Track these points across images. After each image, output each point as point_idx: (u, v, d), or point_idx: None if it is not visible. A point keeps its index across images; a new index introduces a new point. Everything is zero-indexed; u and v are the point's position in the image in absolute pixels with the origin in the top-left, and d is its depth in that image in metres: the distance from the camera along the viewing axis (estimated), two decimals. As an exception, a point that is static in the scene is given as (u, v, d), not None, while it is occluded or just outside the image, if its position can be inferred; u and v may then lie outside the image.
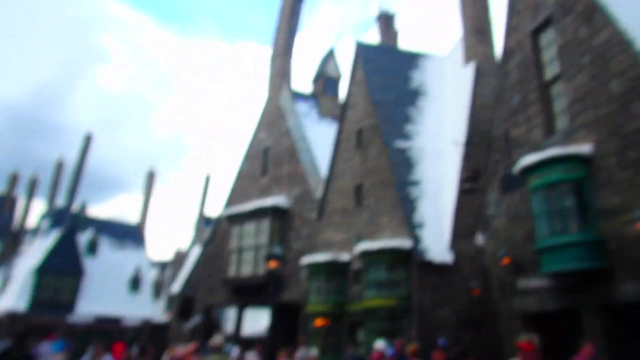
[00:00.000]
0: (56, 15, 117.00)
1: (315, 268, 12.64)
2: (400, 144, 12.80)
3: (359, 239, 12.45)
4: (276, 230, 14.91)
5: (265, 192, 16.36)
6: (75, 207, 35.20)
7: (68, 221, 32.81)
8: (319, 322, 12.48)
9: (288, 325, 14.37)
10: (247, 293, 16.02)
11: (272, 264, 11.76)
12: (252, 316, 17.26)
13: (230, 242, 16.97)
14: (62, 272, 30.89)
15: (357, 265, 12.45)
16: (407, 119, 13.54)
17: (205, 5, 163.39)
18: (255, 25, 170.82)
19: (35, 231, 35.67)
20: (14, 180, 43.62)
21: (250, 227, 15.93)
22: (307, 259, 12.81)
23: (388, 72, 14.61)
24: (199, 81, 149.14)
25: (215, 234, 19.05)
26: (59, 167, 38.60)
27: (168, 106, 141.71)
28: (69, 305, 30.68)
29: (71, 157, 36.27)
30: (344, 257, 12.69)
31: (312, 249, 13.97)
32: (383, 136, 12.89)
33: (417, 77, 15.09)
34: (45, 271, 30.28)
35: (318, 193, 14.43)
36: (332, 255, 12.67)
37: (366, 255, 11.83)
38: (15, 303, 29.04)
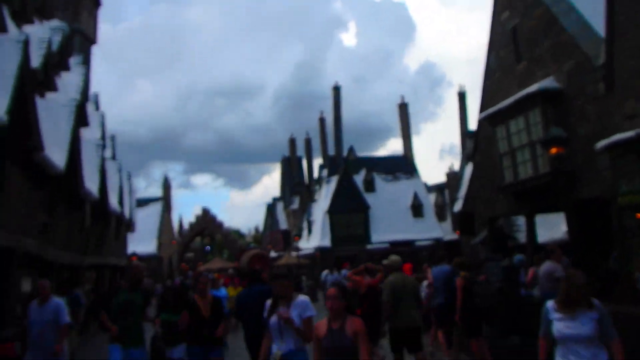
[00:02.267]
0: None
1: (620, 150, 9.94)
2: None
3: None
4: (551, 118, 12.42)
5: (525, 80, 13.83)
6: (345, 154, 38.21)
7: (342, 166, 35.92)
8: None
9: (592, 225, 11.98)
10: (531, 198, 14.09)
11: (555, 150, 9.64)
12: (546, 221, 15.25)
13: (498, 146, 15.10)
14: (348, 210, 34.28)
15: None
16: None
17: None
18: None
19: (319, 181, 40.42)
20: (292, 144, 50.39)
21: (517, 123, 13.80)
22: (604, 142, 10.16)
23: None
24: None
25: (477, 142, 17.43)
26: (322, 122, 42.42)
27: (409, 49, 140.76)
28: (364, 237, 34.00)
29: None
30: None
31: (607, 129, 11.05)
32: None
33: None
34: (334, 212, 34.11)
35: (600, 59, 11.23)
36: None
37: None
38: (320, 241, 33.75)
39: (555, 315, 3.74)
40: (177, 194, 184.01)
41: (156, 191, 46.25)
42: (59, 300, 6.52)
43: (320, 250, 33.03)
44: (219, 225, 49.73)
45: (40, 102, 11.63)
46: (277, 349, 4.13)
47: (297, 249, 36.78)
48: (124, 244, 24.68)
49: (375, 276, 7.89)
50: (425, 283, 9.53)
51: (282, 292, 4.23)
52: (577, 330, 3.59)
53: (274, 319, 4.20)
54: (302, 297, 4.35)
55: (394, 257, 7.09)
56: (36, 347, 6.27)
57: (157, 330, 7.04)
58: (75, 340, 8.93)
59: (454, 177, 36.13)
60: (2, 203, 9.70)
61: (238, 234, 74.63)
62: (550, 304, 3.85)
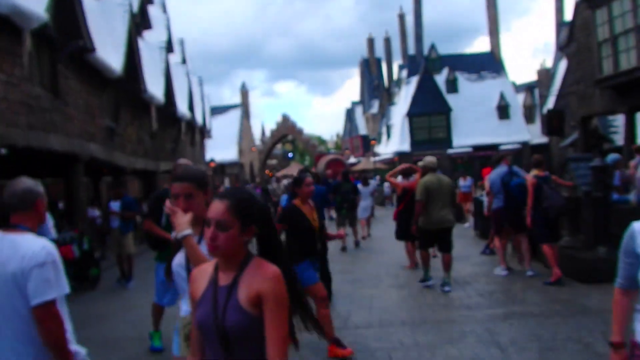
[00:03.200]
0: None
1: None
2: None
3: None
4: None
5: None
6: (427, 53, 35.38)
7: (422, 66, 33.46)
8: None
9: None
10: (633, 92, 11.99)
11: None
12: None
13: (597, 33, 12.84)
14: (429, 112, 32.43)
15: None
16: None
17: None
18: None
19: (398, 82, 38.34)
20: (371, 44, 47.66)
21: (621, 4, 11.49)
22: None
23: None
24: None
25: (573, 30, 14.91)
26: (401, 19, 39.28)
27: None
28: (445, 140, 32.35)
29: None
30: None
31: None
32: None
33: None
34: (414, 115, 32.47)
35: None
36: None
37: None
38: (399, 145, 32.68)
39: None
40: (260, 102, 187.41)
41: (239, 99, 46.71)
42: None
43: (399, 155, 32.07)
44: (299, 131, 49.99)
45: (92, 3, 11.20)
46: None
47: (376, 154, 36.11)
48: (201, 150, 25.42)
49: (411, 178, 8.07)
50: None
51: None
52: None
53: None
54: None
55: (429, 158, 6.87)
56: None
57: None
58: (131, 245, 8.79)
59: (545, 75, 32.33)
60: (59, 108, 9.67)
61: (320, 140, 75.19)
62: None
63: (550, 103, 27.45)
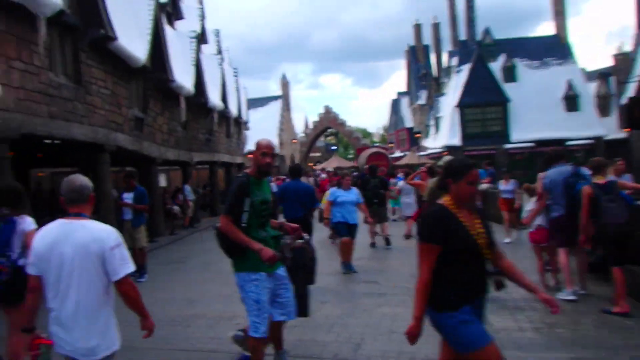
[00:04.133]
0: None
1: None
2: None
3: None
4: None
5: None
6: (480, 38, 32.73)
7: (475, 52, 30.86)
8: None
9: None
10: None
11: None
12: None
13: None
14: (483, 103, 29.89)
15: None
16: None
17: None
18: None
19: (448, 71, 35.83)
20: (418, 31, 44.99)
21: None
22: None
23: None
24: None
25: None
26: (451, 2, 36.64)
27: None
28: (502, 134, 29.75)
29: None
30: None
31: None
32: None
33: None
34: (466, 105, 30.03)
35: None
36: None
37: None
38: (448, 139, 30.36)
39: None
40: (305, 94, 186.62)
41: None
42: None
43: (449, 149, 29.74)
44: (342, 123, 48.24)
45: None
46: None
47: (422, 148, 33.88)
48: (238, 141, 24.23)
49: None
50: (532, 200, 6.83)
51: None
52: None
53: None
54: None
55: (447, 158, 5.84)
56: None
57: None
58: (143, 238, 8.34)
59: (624, 60, 28.93)
60: (82, 97, 9.23)
61: (364, 132, 73.12)
62: None
63: (630, 91, 24.30)
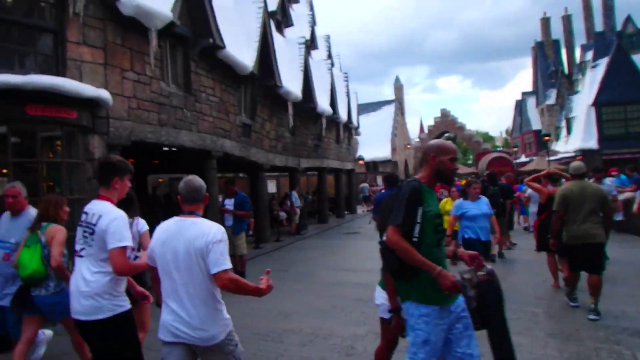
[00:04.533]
0: None
1: None
2: None
3: None
4: None
5: None
6: (620, 28, 28.93)
7: (614, 44, 27.27)
8: None
9: None
10: None
11: None
12: None
13: None
14: (624, 101, 26.31)
15: None
16: None
17: None
18: None
19: (581, 66, 32.23)
20: (545, 25, 41.15)
21: None
22: None
23: None
24: None
25: None
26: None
27: None
28: (646, 135, 25.93)
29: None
30: None
31: None
32: None
33: None
34: (604, 104, 26.69)
35: None
36: None
37: None
38: (582, 142, 27.29)
39: None
40: (421, 98, 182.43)
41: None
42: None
43: (583, 152, 26.62)
44: (460, 127, 45.93)
45: (226, 0, 11.27)
46: None
47: (552, 152, 30.76)
48: (348, 147, 24.06)
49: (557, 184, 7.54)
50: None
51: None
52: None
53: None
54: None
55: (576, 164, 6.12)
56: None
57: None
58: (244, 245, 8.35)
59: None
60: (191, 105, 9.59)
61: (486, 136, 69.04)
62: None
63: None
